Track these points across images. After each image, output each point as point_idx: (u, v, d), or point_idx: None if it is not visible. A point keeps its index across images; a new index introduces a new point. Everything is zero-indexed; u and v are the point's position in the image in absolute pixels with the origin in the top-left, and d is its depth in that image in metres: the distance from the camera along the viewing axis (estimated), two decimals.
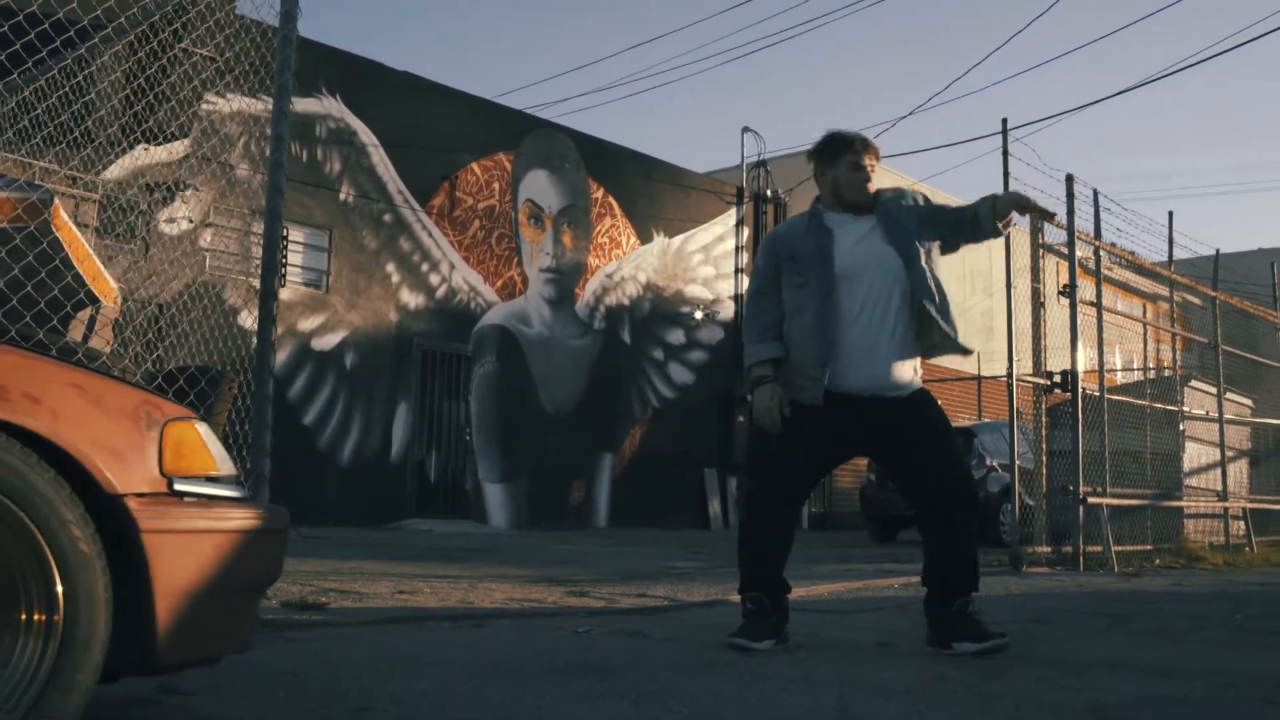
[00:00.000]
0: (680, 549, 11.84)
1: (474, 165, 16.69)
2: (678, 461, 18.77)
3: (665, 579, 7.49)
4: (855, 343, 4.19)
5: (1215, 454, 12.04)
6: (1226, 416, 12.34)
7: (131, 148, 12.62)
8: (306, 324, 14.50)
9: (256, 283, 13.98)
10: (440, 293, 16.08)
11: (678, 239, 19.71)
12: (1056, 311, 9.77)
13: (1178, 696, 3.24)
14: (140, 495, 2.12)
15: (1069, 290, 9.38)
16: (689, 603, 5.94)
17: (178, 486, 2.21)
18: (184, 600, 2.16)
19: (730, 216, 20.75)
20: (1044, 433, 9.43)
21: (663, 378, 19.17)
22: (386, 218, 15.52)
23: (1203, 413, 11.83)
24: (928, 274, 4.29)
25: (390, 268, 15.51)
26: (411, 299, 15.72)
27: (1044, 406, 9.45)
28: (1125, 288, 16.39)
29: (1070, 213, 9.49)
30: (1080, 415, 9.30)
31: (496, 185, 16.98)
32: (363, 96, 15.41)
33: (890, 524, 15.59)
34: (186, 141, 13.29)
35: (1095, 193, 9.81)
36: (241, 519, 2.31)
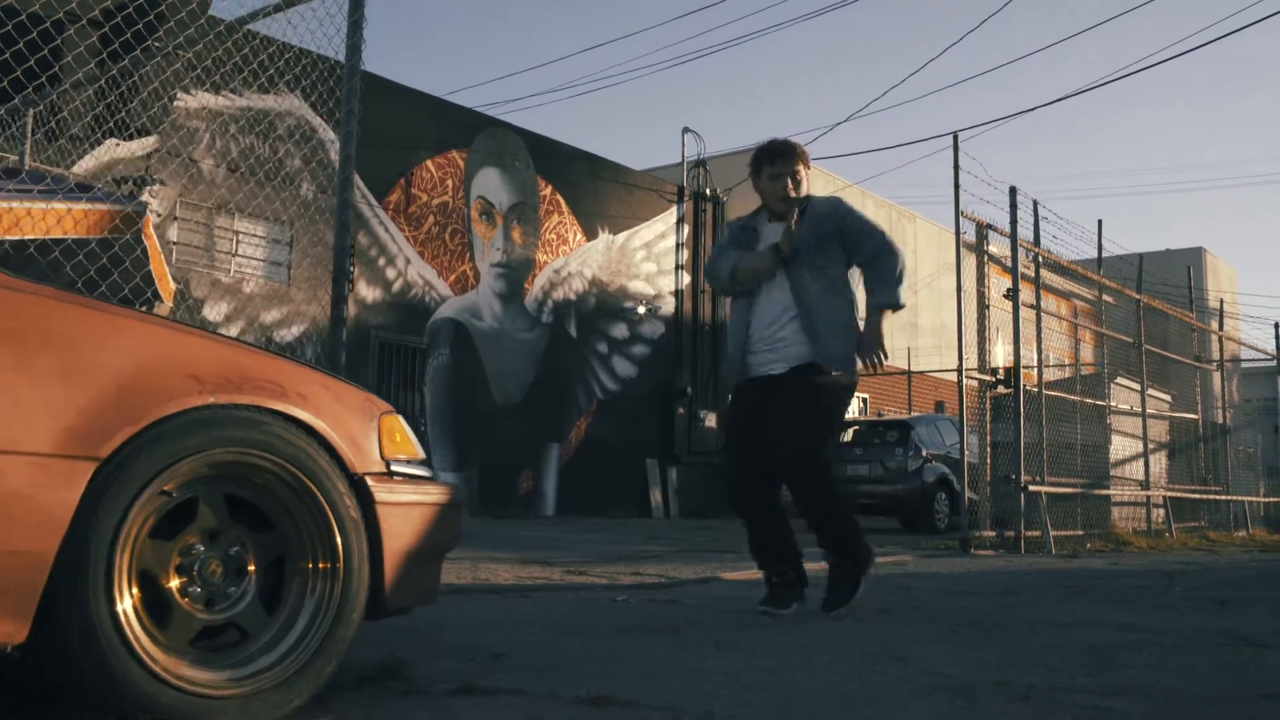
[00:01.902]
0: (637, 535, 12.39)
1: (429, 162, 17.10)
2: (621, 452, 19.36)
3: (646, 560, 8.05)
4: (756, 336, 4.72)
5: (1138, 446, 12.94)
6: (1148, 411, 13.24)
7: (101, 142, 12.89)
8: (269, 316, 14.83)
9: (220, 276, 14.26)
10: (396, 286, 16.48)
11: (622, 236, 20.29)
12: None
13: (1150, 643, 3.90)
14: (371, 474, 2.66)
15: (1012, 294, 10.11)
16: (686, 580, 6.51)
17: (393, 468, 2.74)
18: (402, 559, 2.70)
19: (671, 214, 21.38)
20: (988, 426, 10.17)
21: (607, 370, 19.74)
22: None
23: (1128, 408, 12.70)
24: (808, 284, 4.62)
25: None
26: (369, 293, 16.10)
27: (988, 402, 10.18)
28: (1048, 288, 17.32)
29: (1013, 222, 10.24)
30: (1022, 409, 10.06)
31: (450, 182, 17.41)
32: (322, 94, 15.71)
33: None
34: (154, 137, 13.57)
35: (1035, 203, 10.59)
36: (439, 494, 2.85)
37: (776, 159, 4.80)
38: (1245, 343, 18.70)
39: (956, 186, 9.79)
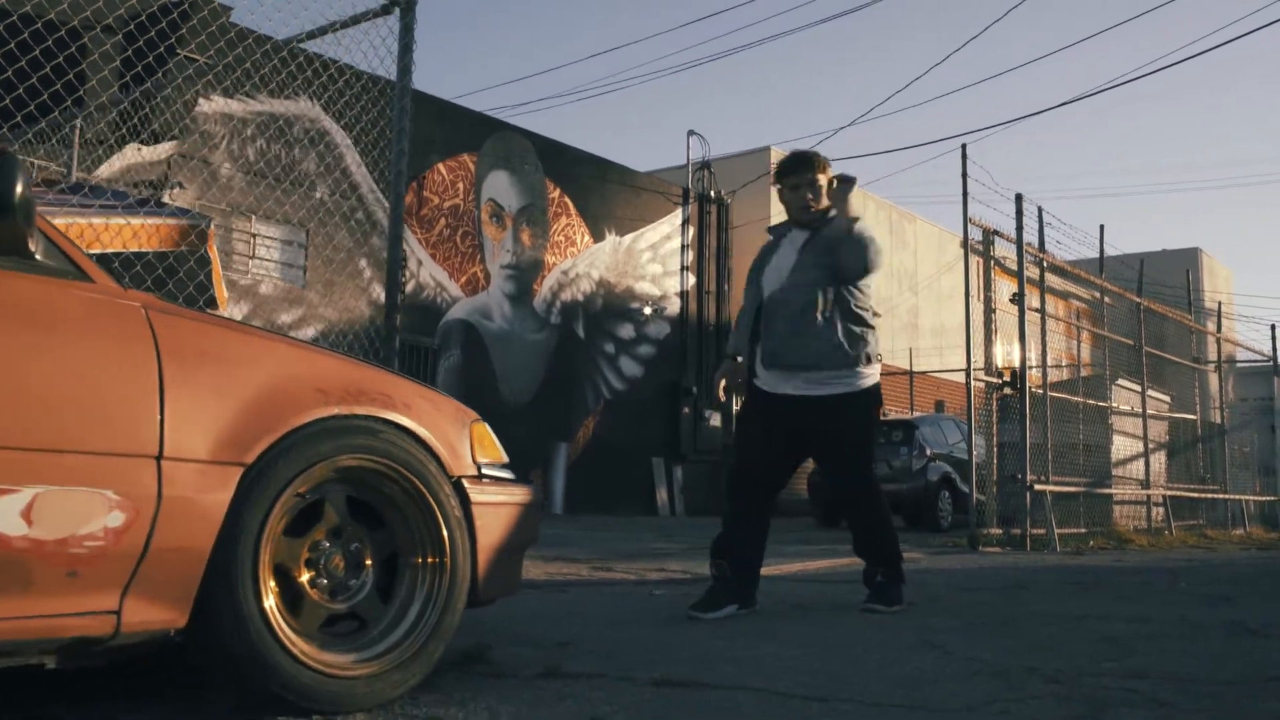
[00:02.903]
0: (648, 533, 12.65)
1: (440, 166, 17.36)
2: (627, 451, 19.64)
3: (665, 557, 8.31)
4: (773, 344, 4.78)
5: (1138, 446, 13.23)
6: (1148, 412, 13.54)
7: (122, 147, 13.15)
8: (286, 317, 15.08)
9: (236, 277, 14.50)
10: (409, 288, 16.73)
11: (628, 237, 20.57)
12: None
13: (1163, 633, 4.19)
14: (467, 477, 2.93)
15: (1018, 298, 10.40)
16: (705, 575, 6.76)
17: (483, 470, 3.02)
18: (493, 554, 2.97)
19: (677, 216, 21.66)
20: (995, 426, 10.46)
21: (614, 370, 20.02)
22: (359, 216, 16.14)
23: (1129, 408, 13.00)
24: (815, 293, 4.69)
25: (363, 264, 16.13)
26: (383, 294, 16.32)
27: (995, 402, 10.47)
28: (1032, 283, 17.62)
29: (1019, 228, 10.53)
30: (1028, 410, 10.35)
31: (461, 185, 17.67)
32: (336, 98, 15.97)
33: (836, 510, 16.59)
34: (173, 141, 13.82)
35: (1040, 210, 10.87)
36: (522, 495, 3.13)
37: (796, 170, 4.91)
38: (1243, 344, 19.02)
39: (965, 194, 10.07)
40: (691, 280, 21.71)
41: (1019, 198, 10.51)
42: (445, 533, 2.77)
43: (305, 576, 2.57)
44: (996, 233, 10.41)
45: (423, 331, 16.86)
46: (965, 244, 10.25)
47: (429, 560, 2.76)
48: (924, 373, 25.21)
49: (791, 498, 21.46)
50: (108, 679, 2.74)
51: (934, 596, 5.56)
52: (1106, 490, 12.17)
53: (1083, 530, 11.23)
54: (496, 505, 3.01)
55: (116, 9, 9.97)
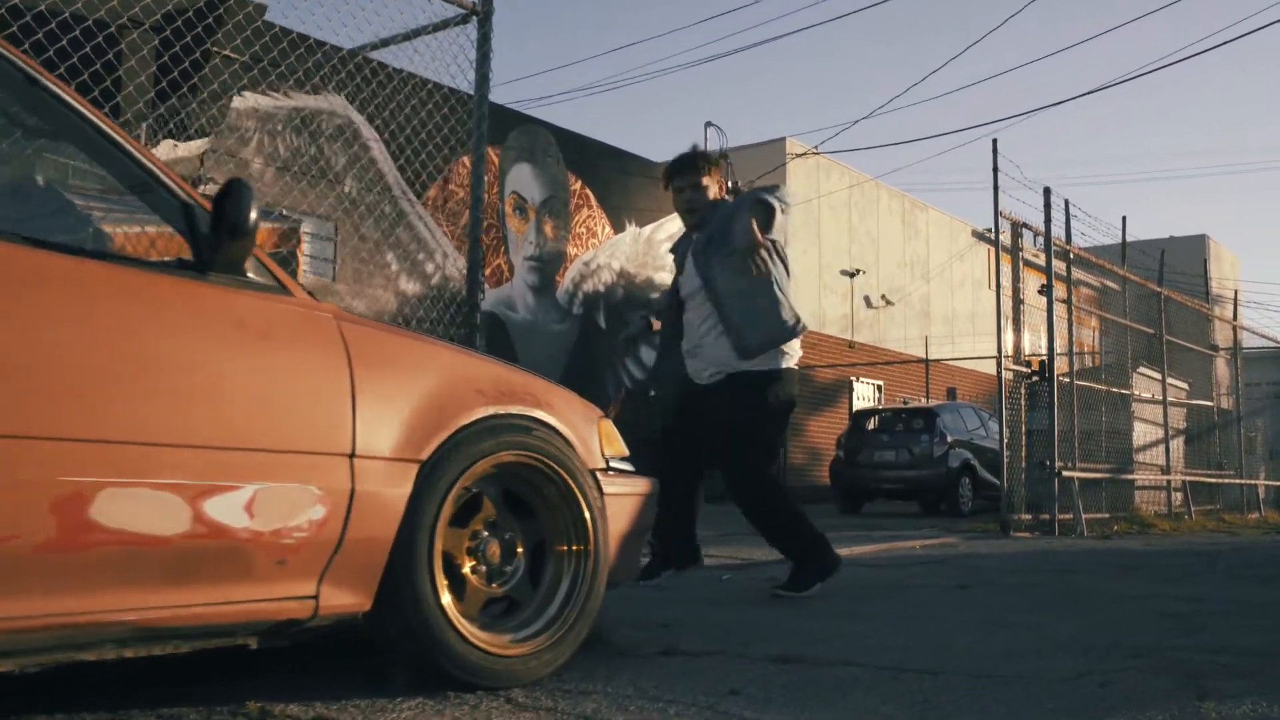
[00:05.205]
0: None
1: (465, 159, 17.51)
2: (647, 440, 19.81)
3: (708, 544, 8.54)
4: (690, 344, 4.93)
5: (1158, 432, 13.47)
6: (1168, 399, 13.77)
7: (158, 143, 13.36)
8: None
9: None
10: (435, 280, 16.96)
11: (648, 228, 20.77)
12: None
13: (1221, 611, 4.43)
14: (598, 469, 3.17)
15: (1047, 290, 10.62)
16: (766, 560, 6.97)
17: (611, 464, 3.26)
18: (621, 540, 3.21)
19: None
20: (1023, 414, 10.70)
21: (635, 360, 20.25)
22: (386, 209, 16.36)
23: (1150, 396, 13.23)
24: (716, 278, 4.70)
25: (390, 257, 16.37)
26: (410, 286, 16.59)
27: (1024, 391, 10.70)
28: (1059, 277, 17.85)
29: (1047, 220, 10.74)
30: (1055, 399, 10.58)
31: (486, 178, 17.84)
32: (363, 93, 16.20)
33: (857, 497, 16.87)
34: (208, 137, 14.03)
35: (1066, 203, 11.07)
36: (644, 486, 3.38)
37: (681, 173, 4.89)
38: (1259, 331, 19.22)
39: (995, 187, 10.28)
40: None
41: (1047, 191, 10.72)
42: (589, 522, 3.00)
43: (467, 564, 2.81)
44: (1025, 226, 10.62)
45: (449, 323, 17.06)
46: (996, 237, 10.46)
47: (574, 548, 3.00)
48: (939, 360, 25.44)
49: (812, 484, 21.77)
50: (283, 656, 2.98)
51: (988, 580, 5.80)
52: (1129, 476, 12.41)
53: (1106, 515, 11.47)
54: (623, 495, 3.25)
55: (153, 13, 10.19)
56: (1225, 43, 49.61)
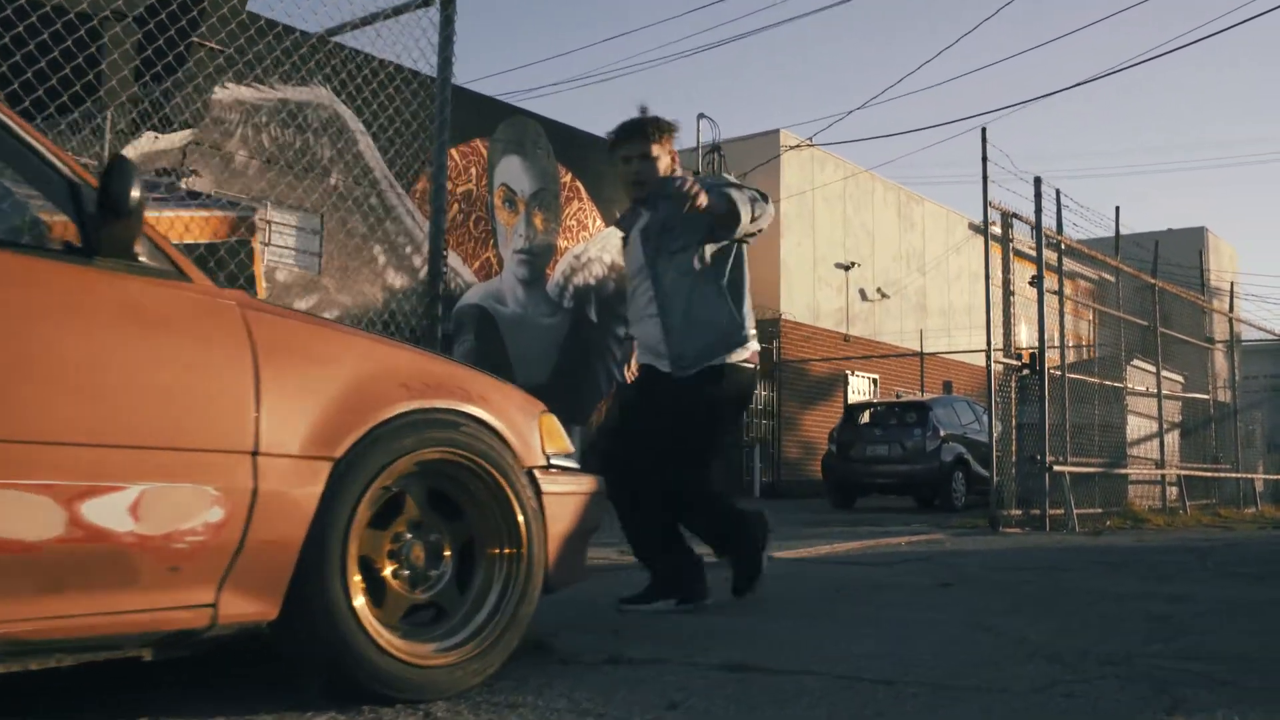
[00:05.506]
0: None
1: (453, 151, 17.35)
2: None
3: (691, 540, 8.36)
4: (633, 314, 4.51)
5: (1153, 426, 13.29)
6: (1162, 392, 13.59)
7: (140, 135, 13.18)
8: (301, 305, 15.12)
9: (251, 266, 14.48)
10: (423, 273, 16.76)
11: None
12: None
13: (1205, 612, 4.25)
14: (537, 467, 2.98)
15: (1037, 281, 10.44)
16: (782, 558, 6.67)
17: (552, 461, 3.07)
18: (563, 543, 3.03)
19: None
20: (1014, 408, 10.51)
21: (626, 354, 20.06)
22: (373, 201, 16.18)
23: (1143, 389, 13.05)
24: (662, 274, 4.25)
25: (377, 250, 16.19)
26: (397, 279, 16.41)
27: (1014, 384, 10.52)
28: (1050, 268, 17.67)
29: (1038, 211, 10.56)
30: (1046, 392, 10.40)
31: (474, 170, 17.70)
32: (349, 85, 16.01)
33: (850, 492, 16.69)
34: (190, 129, 13.84)
35: (1058, 193, 10.89)
36: (588, 484, 3.19)
37: (624, 142, 4.32)
38: (1256, 324, 19.05)
39: (985, 177, 10.09)
40: None
41: (1038, 181, 10.54)
42: (522, 523, 2.82)
43: (388, 568, 2.63)
44: (1016, 216, 10.44)
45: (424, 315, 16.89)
46: (985, 228, 10.27)
47: (505, 551, 2.82)
48: (934, 354, 25.26)
49: (806, 479, 21.60)
50: (195, 667, 2.80)
51: (972, 578, 5.63)
52: (1122, 470, 12.23)
53: (1099, 510, 11.29)
54: (564, 495, 3.07)
55: (136, 7, 10.00)
56: (1210, 35, 49.27)
